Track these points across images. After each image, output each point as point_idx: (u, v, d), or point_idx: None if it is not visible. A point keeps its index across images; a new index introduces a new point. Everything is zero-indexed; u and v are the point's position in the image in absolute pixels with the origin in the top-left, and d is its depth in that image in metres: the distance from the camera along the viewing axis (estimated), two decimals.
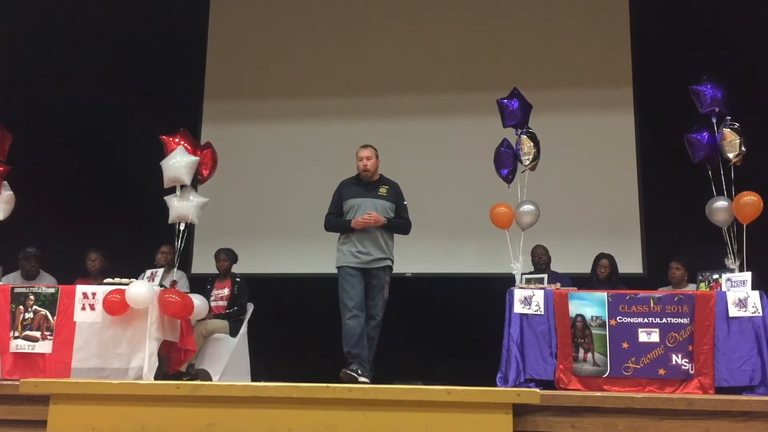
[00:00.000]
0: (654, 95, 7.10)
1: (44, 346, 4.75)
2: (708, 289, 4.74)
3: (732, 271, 4.73)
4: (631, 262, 6.89)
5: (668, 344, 4.47)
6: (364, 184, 5.18)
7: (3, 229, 5.26)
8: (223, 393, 3.72)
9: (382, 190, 5.16)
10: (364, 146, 5.22)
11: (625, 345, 4.51)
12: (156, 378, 4.67)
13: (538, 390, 3.80)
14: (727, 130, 4.88)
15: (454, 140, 7.43)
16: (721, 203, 4.89)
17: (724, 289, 4.63)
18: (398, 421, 3.55)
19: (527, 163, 5.13)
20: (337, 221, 5.17)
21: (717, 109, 5.00)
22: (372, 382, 4.67)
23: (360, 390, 3.71)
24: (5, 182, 5.29)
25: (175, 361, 5.08)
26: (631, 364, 4.48)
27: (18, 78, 7.51)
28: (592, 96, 7.40)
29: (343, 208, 5.14)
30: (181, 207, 5.28)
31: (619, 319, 4.55)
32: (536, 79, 7.12)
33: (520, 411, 3.60)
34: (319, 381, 3.85)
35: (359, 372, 4.75)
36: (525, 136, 5.15)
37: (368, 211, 5.01)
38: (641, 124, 7.26)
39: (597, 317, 4.56)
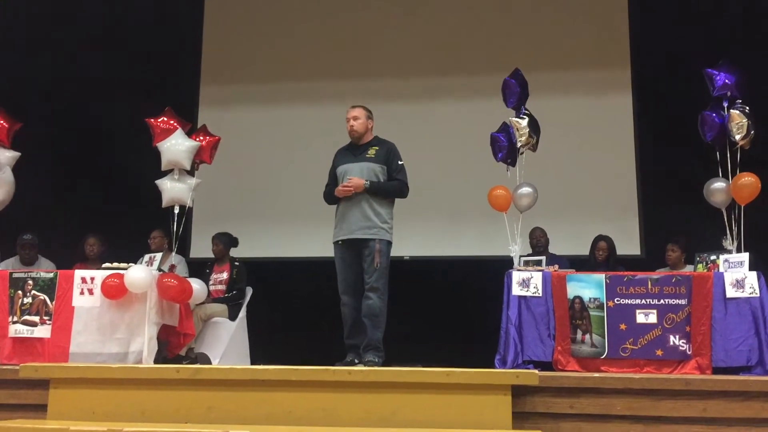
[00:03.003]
0: (652, 76, 7.07)
1: (43, 331, 4.75)
2: (706, 270, 4.75)
3: (730, 252, 4.74)
4: (629, 244, 6.89)
5: (666, 325, 4.49)
6: (353, 148, 4.92)
7: (1, 214, 5.24)
8: (222, 376, 3.73)
9: (371, 151, 4.84)
10: (353, 106, 4.93)
11: (622, 326, 4.52)
12: (156, 362, 4.69)
13: (536, 371, 3.82)
14: (735, 112, 4.85)
15: (452, 123, 7.40)
16: (718, 184, 4.89)
17: (721, 270, 4.64)
18: (398, 403, 3.56)
19: (519, 145, 5.12)
20: (327, 191, 4.96)
21: (729, 93, 4.94)
22: (384, 365, 4.57)
23: (359, 373, 3.71)
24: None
25: (175, 345, 5.10)
26: (629, 345, 4.50)
27: (13, 64, 7.46)
28: (590, 77, 7.36)
29: (337, 176, 4.90)
30: (174, 190, 5.27)
31: (617, 300, 4.56)
32: (535, 61, 7.07)
33: (518, 392, 3.61)
34: (318, 364, 3.86)
35: (355, 362, 4.62)
36: (515, 119, 5.14)
37: (351, 176, 4.72)
38: (639, 105, 7.24)
39: (595, 299, 4.57)
